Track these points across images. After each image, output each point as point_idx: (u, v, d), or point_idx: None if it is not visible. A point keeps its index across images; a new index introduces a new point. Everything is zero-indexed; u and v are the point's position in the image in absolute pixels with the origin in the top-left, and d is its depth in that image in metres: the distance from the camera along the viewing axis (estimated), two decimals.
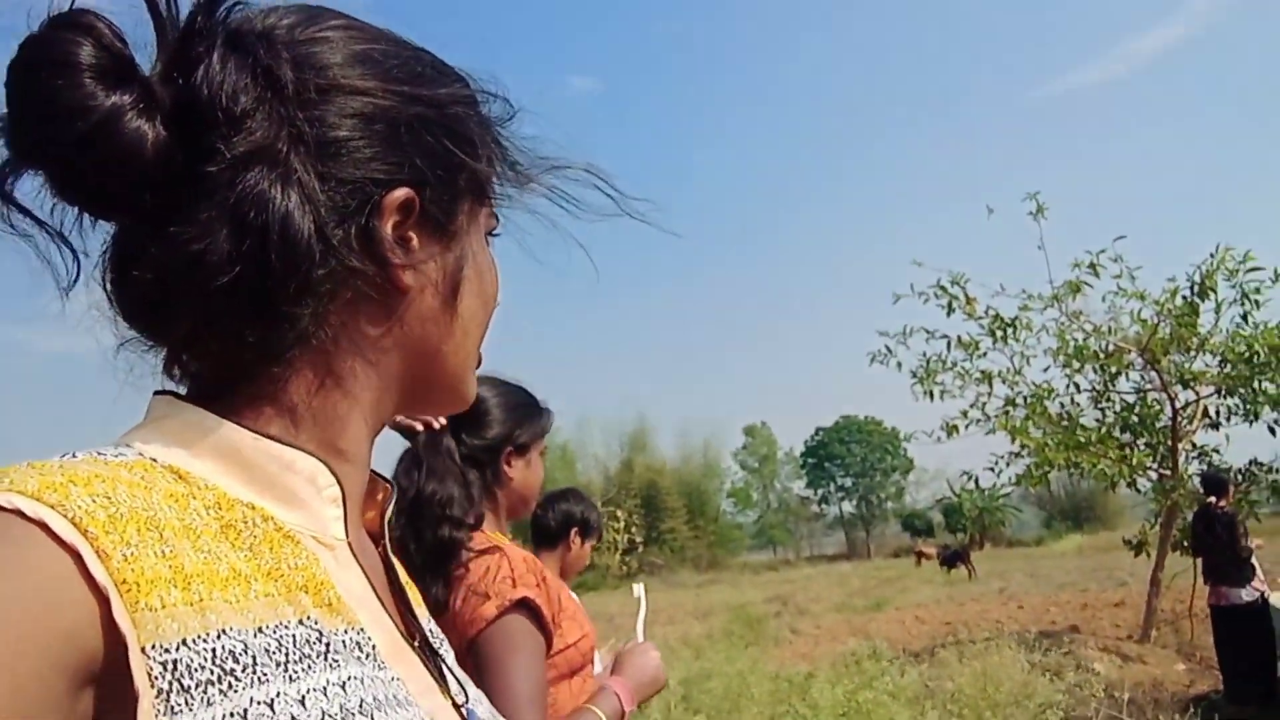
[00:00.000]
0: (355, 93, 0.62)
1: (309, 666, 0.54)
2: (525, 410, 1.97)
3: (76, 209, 0.59)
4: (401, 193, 0.63)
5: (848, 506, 73.06)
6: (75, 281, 0.60)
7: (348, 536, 0.64)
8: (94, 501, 0.49)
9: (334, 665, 0.56)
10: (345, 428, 0.65)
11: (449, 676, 0.71)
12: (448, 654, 0.75)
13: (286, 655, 0.54)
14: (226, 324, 0.59)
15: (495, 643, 1.63)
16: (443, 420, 1.84)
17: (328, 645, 0.57)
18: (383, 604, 0.65)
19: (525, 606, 1.67)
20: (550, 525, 3.43)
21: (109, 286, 0.61)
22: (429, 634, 0.73)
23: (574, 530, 3.44)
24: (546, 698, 1.66)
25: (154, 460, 0.57)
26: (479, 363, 0.74)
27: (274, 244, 0.57)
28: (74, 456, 0.55)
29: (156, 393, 0.63)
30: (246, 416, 0.61)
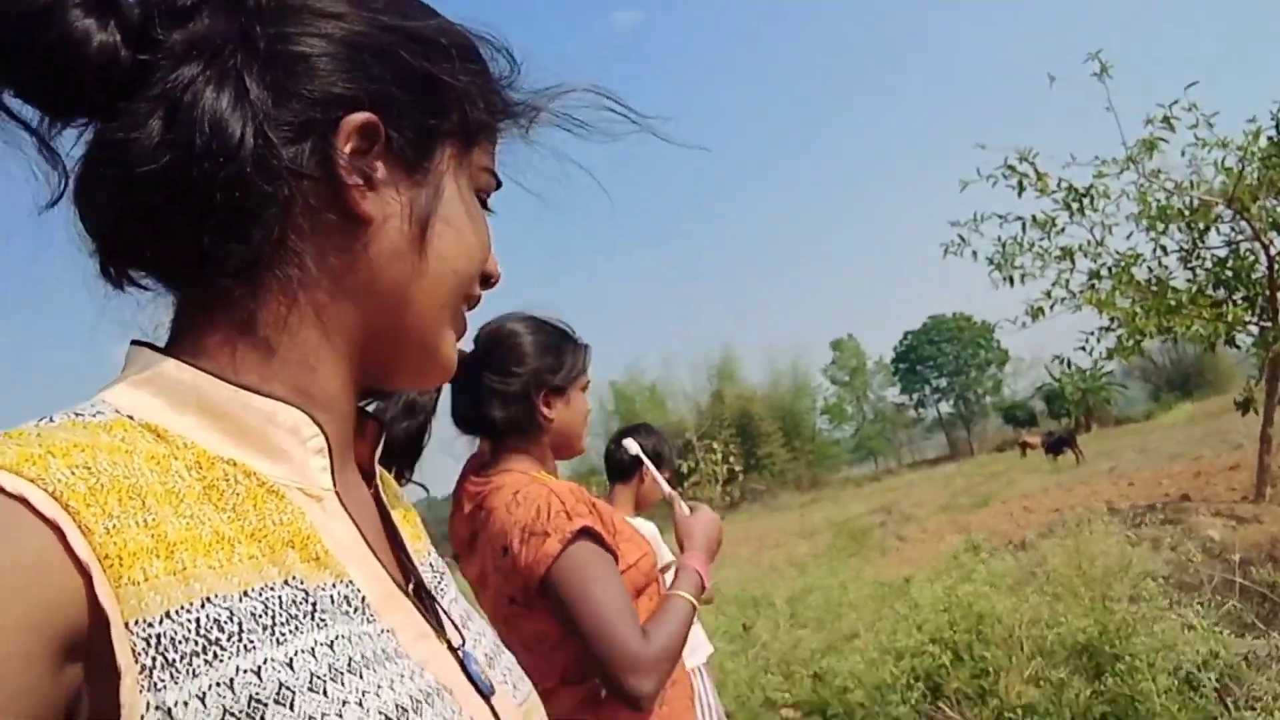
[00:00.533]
0: (325, 15, 0.62)
1: (296, 628, 0.54)
2: (558, 350, 1.91)
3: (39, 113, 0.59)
4: (362, 116, 0.61)
5: (945, 407, 72.28)
6: (60, 197, 0.60)
7: (335, 485, 0.63)
8: (74, 473, 0.49)
9: (321, 624, 0.55)
10: (319, 366, 0.64)
11: (445, 620, 0.70)
12: (446, 592, 0.74)
13: (273, 618, 0.53)
14: (161, 221, 0.58)
15: (569, 574, 1.63)
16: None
17: (314, 605, 0.56)
18: (374, 551, 0.64)
19: (586, 534, 1.67)
20: (623, 460, 3.45)
21: (74, 199, 0.60)
22: (425, 576, 0.71)
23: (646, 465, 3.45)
24: (633, 608, 1.66)
25: (131, 418, 0.57)
26: (463, 330, 0.72)
27: (202, 136, 0.57)
28: (50, 421, 0.54)
29: (133, 342, 0.62)
30: (221, 358, 0.61)
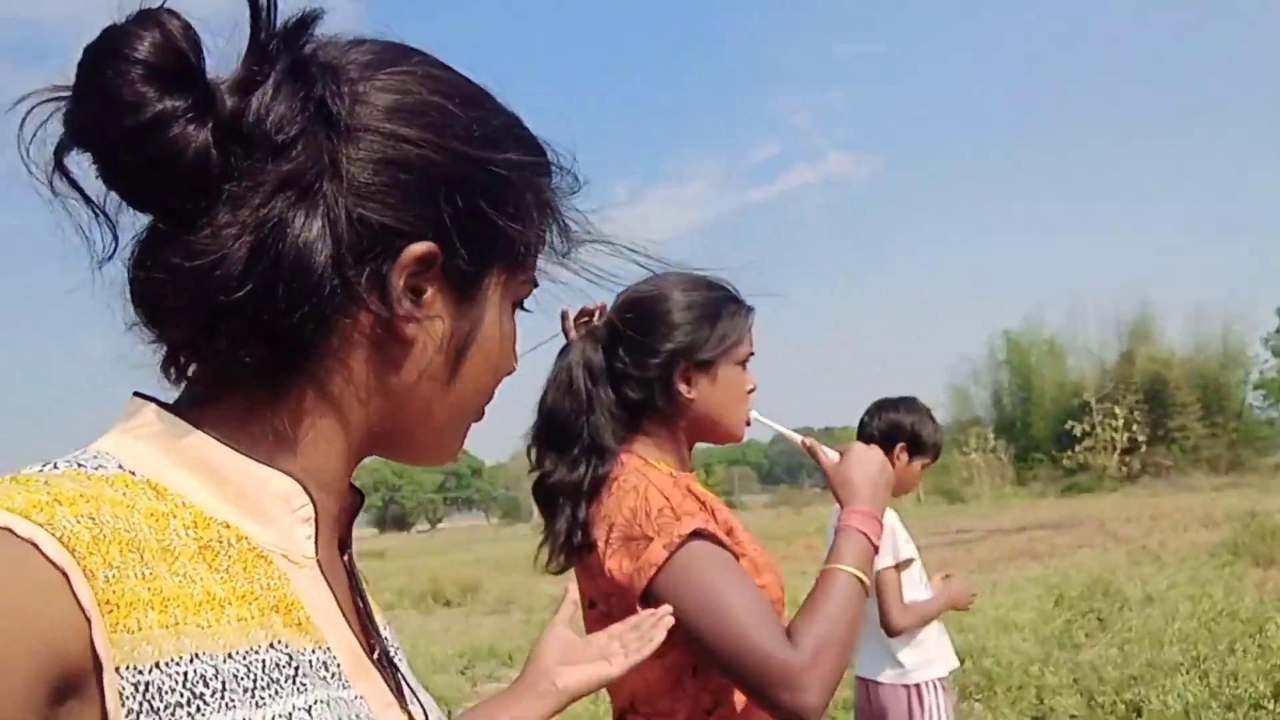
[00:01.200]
0: (400, 140, 0.63)
1: (276, 692, 0.56)
2: (709, 318, 1.62)
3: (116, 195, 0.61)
4: (423, 246, 0.63)
5: None
6: (110, 258, 0.62)
7: (317, 554, 0.66)
8: (79, 522, 0.51)
9: (301, 689, 0.58)
10: (327, 462, 0.67)
11: (406, 690, 0.72)
12: (403, 664, 0.76)
13: (254, 681, 0.55)
14: (226, 338, 0.61)
15: (682, 583, 1.38)
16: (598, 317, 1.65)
17: (296, 669, 0.58)
18: (347, 619, 0.67)
19: (699, 536, 1.42)
20: (873, 435, 3.06)
21: (130, 269, 0.63)
22: (388, 645, 0.74)
23: (900, 445, 3.08)
24: (773, 613, 1.40)
25: (133, 474, 0.59)
26: (479, 418, 0.75)
27: (286, 270, 0.59)
28: (54, 468, 0.57)
29: (135, 394, 0.64)
30: (231, 430, 0.63)
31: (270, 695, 0.56)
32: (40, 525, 0.49)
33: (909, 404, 3.17)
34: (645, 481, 1.51)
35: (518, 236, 0.69)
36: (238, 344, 0.61)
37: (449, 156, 0.65)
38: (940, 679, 3.01)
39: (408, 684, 0.73)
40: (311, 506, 0.65)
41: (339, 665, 0.63)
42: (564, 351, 1.63)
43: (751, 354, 1.68)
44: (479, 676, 8.72)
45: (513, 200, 0.68)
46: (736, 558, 1.45)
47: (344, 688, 0.62)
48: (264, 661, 0.57)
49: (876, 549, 1.50)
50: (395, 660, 0.74)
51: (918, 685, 2.98)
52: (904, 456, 3.07)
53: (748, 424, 1.67)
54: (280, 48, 0.61)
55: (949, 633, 3.20)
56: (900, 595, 3.01)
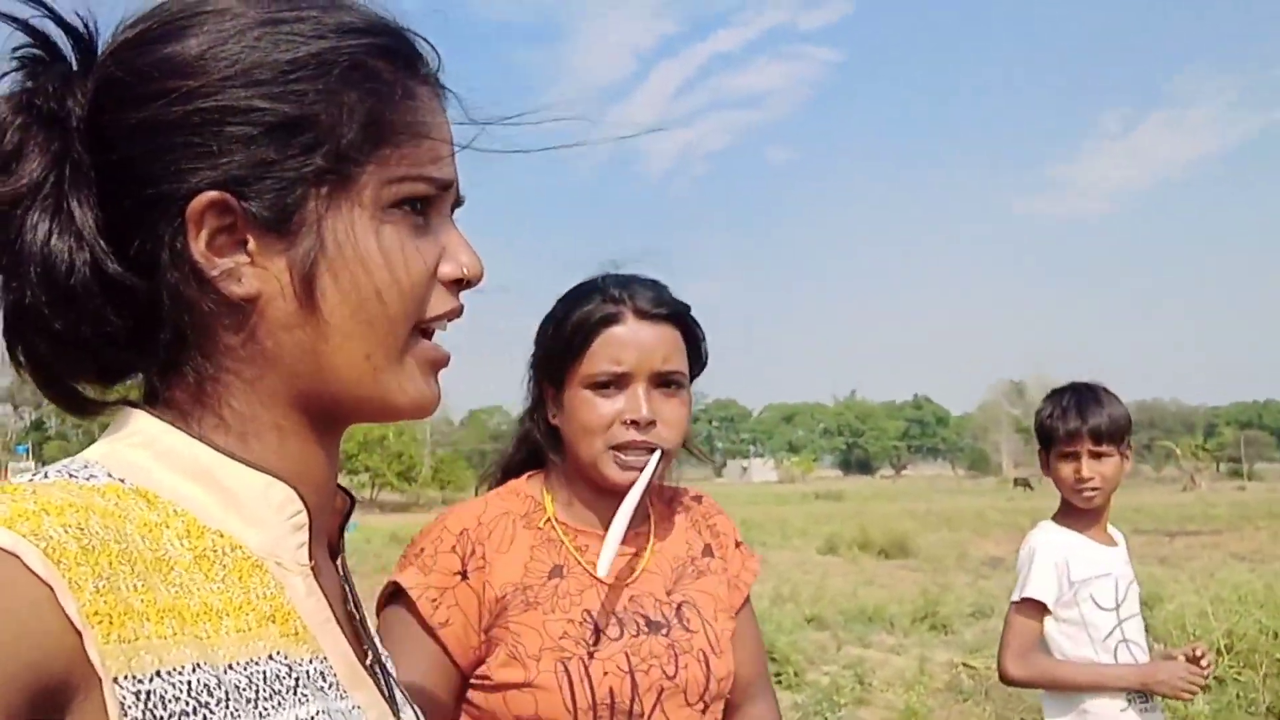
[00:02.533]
0: (151, 99, 0.59)
1: (279, 704, 0.56)
2: (545, 325, 1.43)
3: None
4: (203, 200, 0.59)
5: None
6: None
7: (311, 560, 0.65)
8: (66, 532, 0.50)
9: (302, 700, 0.58)
10: (276, 439, 0.65)
11: (398, 698, 0.72)
12: (391, 671, 0.75)
13: (257, 692, 0.56)
14: (71, 360, 0.62)
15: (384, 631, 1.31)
16: None
17: (296, 680, 0.59)
18: (341, 627, 0.66)
19: (398, 598, 1.35)
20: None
21: None
22: (380, 653, 0.73)
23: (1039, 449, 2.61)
24: None
25: (123, 482, 0.58)
26: (436, 358, 0.68)
27: (39, 284, 0.59)
28: (45, 478, 0.57)
29: (123, 402, 0.64)
30: (194, 427, 0.63)
31: (273, 707, 0.56)
32: (24, 536, 0.48)
33: (1052, 393, 2.65)
34: (455, 509, 1.42)
35: (323, 139, 0.61)
36: (82, 363, 0.63)
37: (199, 97, 0.60)
38: None
39: (404, 693, 0.74)
40: (305, 513, 0.64)
41: (335, 675, 0.63)
42: None
43: (617, 373, 1.36)
44: (847, 639, 8.58)
45: (303, 110, 0.61)
46: (434, 637, 1.29)
47: (341, 698, 0.62)
48: (265, 673, 0.57)
49: None
50: (386, 667, 0.73)
51: None
52: (1043, 458, 2.63)
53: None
54: (23, 63, 0.61)
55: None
56: (1022, 639, 2.49)
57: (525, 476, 1.47)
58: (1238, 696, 5.48)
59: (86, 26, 0.62)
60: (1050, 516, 2.61)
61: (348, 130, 0.62)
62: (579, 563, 1.38)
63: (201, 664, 0.53)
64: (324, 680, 0.61)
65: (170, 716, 0.50)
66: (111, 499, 0.56)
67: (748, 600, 1.54)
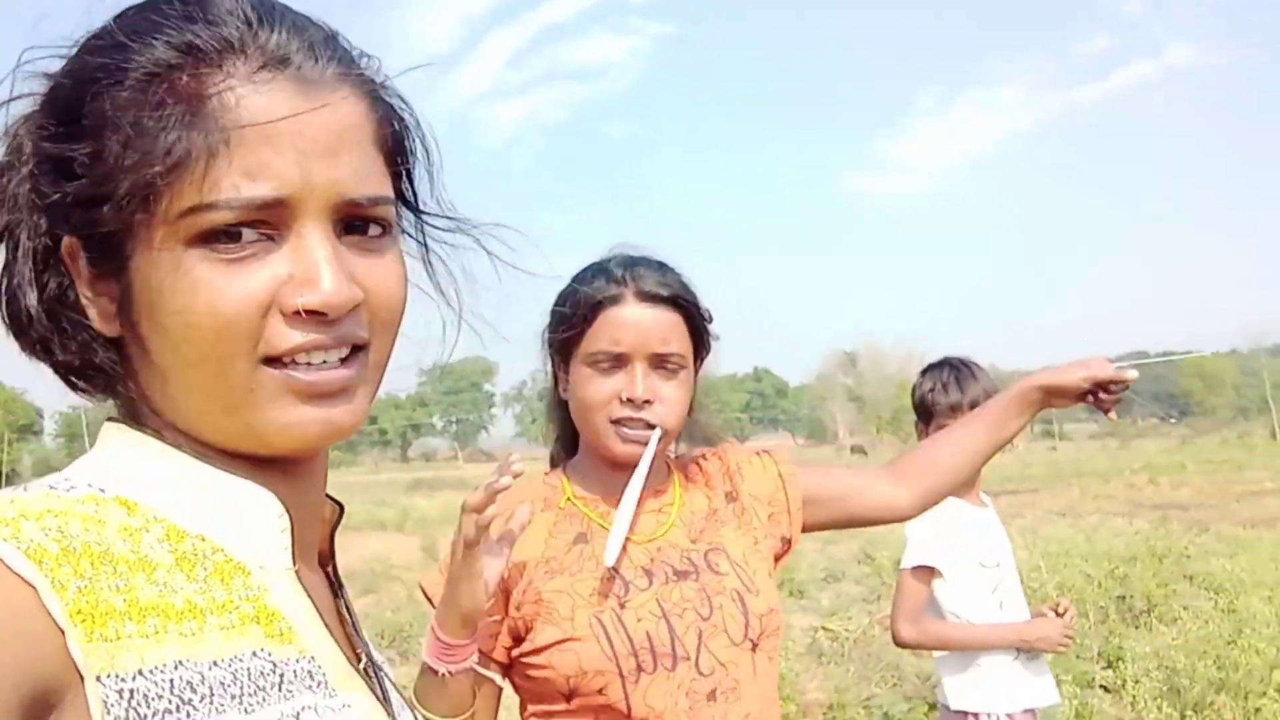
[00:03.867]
0: (13, 155, 0.62)
1: (263, 699, 0.56)
2: (557, 303, 1.45)
3: None
4: (65, 244, 0.61)
5: None
6: None
7: (295, 564, 0.65)
8: (46, 535, 0.51)
9: (288, 696, 0.58)
10: (216, 456, 0.63)
11: (394, 700, 0.72)
12: (389, 674, 0.76)
13: (241, 688, 0.55)
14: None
15: None
16: None
17: (281, 676, 0.59)
18: (329, 629, 0.66)
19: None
20: (925, 400, 2.76)
21: None
22: (374, 655, 0.73)
23: (916, 422, 2.78)
24: None
25: (103, 491, 0.59)
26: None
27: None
28: (24, 490, 0.57)
29: (108, 419, 0.65)
30: (178, 437, 0.63)
31: (258, 702, 0.56)
32: (5, 540, 0.49)
33: (925, 369, 2.84)
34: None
35: (112, 188, 0.56)
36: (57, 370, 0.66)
37: (20, 149, 0.61)
38: (1010, 714, 2.55)
39: (398, 693, 0.74)
40: (288, 518, 0.65)
41: (324, 674, 0.62)
42: None
43: (615, 353, 1.39)
44: None
45: (88, 149, 0.57)
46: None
47: (330, 695, 0.62)
48: (249, 670, 0.56)
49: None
50: (382, 670, 0.73)
51: (974, 716, 2.53)
52: (921, 430, 2.78)
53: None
54: None
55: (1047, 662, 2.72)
56: (913, 604, 2.63)
57: (547, 471, 1.53)
58: (1072, 642, 5.95)
59: None
60: None
61: (123, 169, 0.56)
62: (603, 527, 1.41)
63: (184, 661, 0.53)
64: (311, 679, 0.61)
65: (154, 715, 0.50)
66: (90, 506, 0.56)
67: (786, 475, 1.56)
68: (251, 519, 0.63)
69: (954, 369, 2.71)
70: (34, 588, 0.48)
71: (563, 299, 1.43)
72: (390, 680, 0.73)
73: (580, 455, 1.50)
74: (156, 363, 0.60)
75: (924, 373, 2.80)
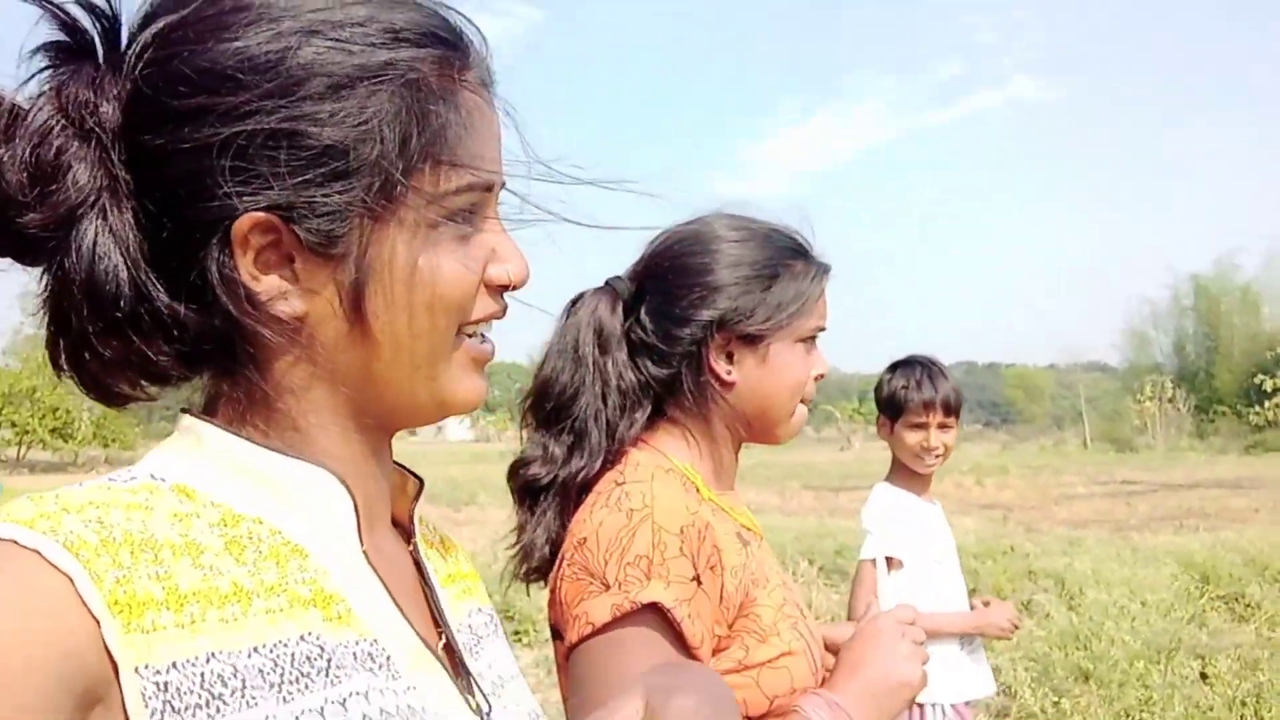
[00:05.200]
0: (188, 118, 0.57)
1: (306, 686, 0.56)
2: (764, 277, 1.24)
3: None
4: (247, 221, 0.59)
5: None
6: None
7: (362, 544, 0.64)
8: (86, 526, 0.52)
9: (335, 681, 0.57)
10: (346, 450, 0.66)
11: (476, 683, 0.70)
12: (482, 655, 0.74)
13: (281, 675, 0.55)
14: (124, 367, 0.62)
15: (600, 664, 1.05)
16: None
17: (329, 660, 0.57)
18: (402, 610, 0.65)
19: (652, 614, 1.05)
20: (894, 395, 2.78)
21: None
22: (460, 637, 0.72)
23: (880, 418, 2.84)
24: None
25: (163, 480, 0.60)
26: (484, 355, 0.69)
27: (82, 300, 0.58)
28: (80, 486, 0.57)
29: (181, 409, 0.65)
30: (250, 427, 0.64)
31: (299, 690, 0.55)
32: (45, 534, 0.50)
33: (926, 366, 2.78)
34: (651, 501, 1.11)
35: (362, 164, 0.60)
36: (130, 378, 0.62)
37: (242, 118, 0.57)
38: (954, 704, 2.60)
39: (477, 679, 0.71)
40: (350, 499, 0.64)
41: (388, 657, 0.61)
42: (573, 305, 1.27)
43: (821, 328, 1.29)
44: None
45: (350, 134, 0.59)
46: (691, 652, 1.06)
47: (393, 678, 0.61)
48: (293, 655, 0.56)
49: None
50: (470, 653, 0.72)
51: (920, 705, 2.58)
52: (886, 426, 2.79)
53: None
54: (53, 60, 0.59)
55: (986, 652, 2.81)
56: (868, 593, 2.58)
57: (636, 447, 1.25)
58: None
59: (112, 9, 0.60)
60: (884, 479, 2.81)
61: (395, 153, 0.61)
62: (749, 528, 1.26)
63: (217, 652, 0.53)
64: (372, 660, 0.60)
65: (186, 708, 0.51)
66: (143, 495, 0.57)
67: None
68: (317, 502, 0.63)
69: (925, 366, 2.76)
70: (71, 579, 0.49)
71: (762, 273, 1.24)
72: (473, 664, 0.71)
73: (698, 437, 1.27)
74: (376, 337, 0.62)
75: (892, 370, 2.82)
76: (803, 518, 12.68)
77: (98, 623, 0.49)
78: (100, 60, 0.60)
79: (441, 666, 0.66)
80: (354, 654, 0.59)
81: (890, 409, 2.77)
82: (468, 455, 47.21)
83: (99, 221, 0.58)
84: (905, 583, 2.65)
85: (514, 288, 0.69)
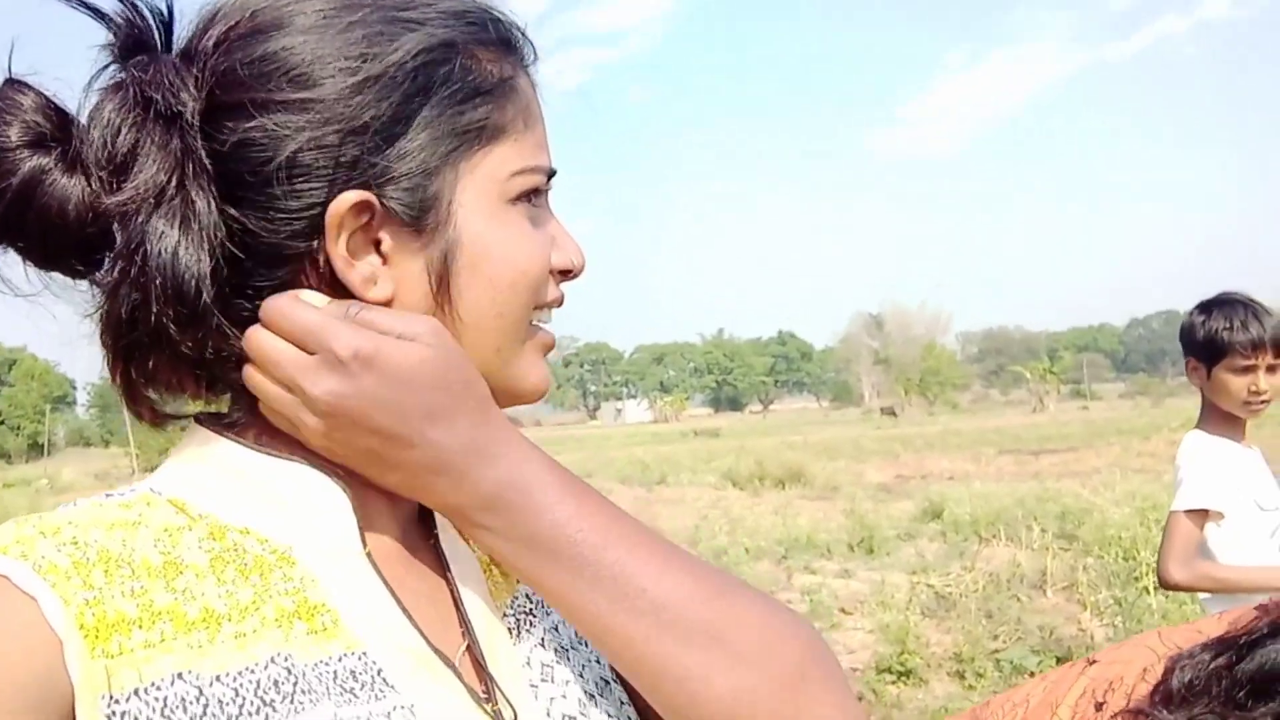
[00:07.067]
0: (257, 106, 0.58)
1: (266, 717, 0.54)
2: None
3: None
4: (344, 204, 0.58)
5: None
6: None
7: (365, 544, 0.62)
8: (59, 550, 0.52)
9: (299, 709, 0.55)
10: None
11: (499, 689, 0.64)
12: (529, 637, 0.70)
13: (241, 707, 0.53)
14: (174, 373, 0.61)
15: None
16: None
17: (295, 685, 0.55)
18: (409, 614, 0.62)
19: None
20: (1196, 336, 2.62)
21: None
22: (492, 629, 0.67)
23: (1189, 360, 2.65)
24: None
25: (159, 493, 0.60)
26: (546, 343, 0.69)
27: (158, 293, 0.56)
28: (73, 505, 0.58)
29: (194, 417, 0.64)
30: (250, 431, 0.63)
31: None
32: (16, 559, 0.51)
33: (1205, 306, 2.59)
34: None
35: (448, 145, 0.61)
36: (194, 379, 0.62)
37: (322, 105, 0.58)
38: None
39: (497, 683, 0.65)
40: (345, 497, 0.62)
41: (378, 671, 0.58)
42: None
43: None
44: (794, 567, 8.41)
45: (428, 111, 0.61)
46: None
47: (376, 698, 0.57)
48: (258, 682, 0.54)
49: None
50: (518, 635, 0.69)
51: None
52: (1201, 371, 2.58)
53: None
54: (118, 55, 0.59)
55: None
56: (1185, 546, 2.47)
57: None
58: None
59: (169, 9, 0.61)
60: (1195, 426, 2.66)
61: (471, 127, 0.62)
62: None
63: (184, 674, 0.52)
64: (354, 679, 0.57)
65: None
66: (136, 510, 0.58)
67: None
68: (309, 504, 0.61)
69: (1246, 305, 2.53)
70: (37, 602, 0.50)
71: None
72: (496, 667, 0.65)
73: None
74: (461, 316, 0.62)
75: (1205, 310, 2.59)
76: (1012, 483, 12.62)
77: (63, 645, 0.49)
78: (173, 54, 0.60)
79: (454, 673, 0.62)
80: (333, 673, 0.57)
81: (1208, 352, 2.54)
82: (648, 436, 47.45)
83: (180, 206, 0.57)
84: (1229, 536, 2.51)
85: (574, 275, 0.68)
